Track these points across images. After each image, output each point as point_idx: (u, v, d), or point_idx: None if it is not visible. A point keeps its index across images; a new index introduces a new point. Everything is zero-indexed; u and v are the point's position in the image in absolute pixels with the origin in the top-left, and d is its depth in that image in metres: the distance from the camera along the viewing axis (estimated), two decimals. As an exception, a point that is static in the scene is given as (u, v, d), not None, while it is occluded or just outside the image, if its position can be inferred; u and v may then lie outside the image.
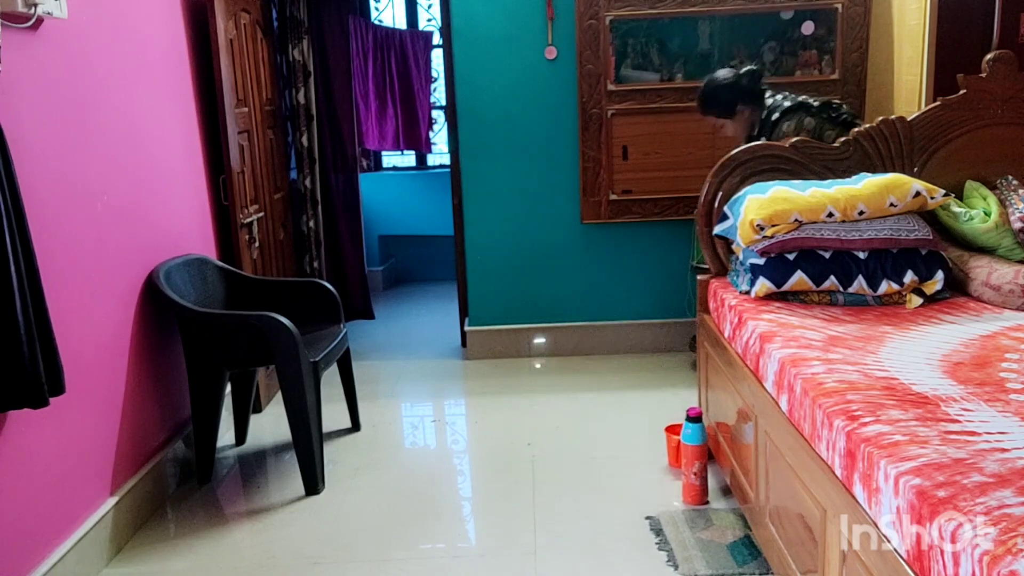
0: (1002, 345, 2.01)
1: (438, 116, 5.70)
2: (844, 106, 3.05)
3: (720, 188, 2.83)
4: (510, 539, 2.51)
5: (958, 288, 2.54)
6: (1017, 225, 2.52)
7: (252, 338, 2.76)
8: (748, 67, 3.09)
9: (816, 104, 2.97)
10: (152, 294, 2.77)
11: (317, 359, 2.81)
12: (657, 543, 2.42)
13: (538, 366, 4.10)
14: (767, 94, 3.03)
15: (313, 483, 2.83)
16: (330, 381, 3.13)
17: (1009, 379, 1.77)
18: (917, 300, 2.43)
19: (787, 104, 2.96)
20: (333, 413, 3.33)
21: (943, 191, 2.60)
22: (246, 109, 3.56)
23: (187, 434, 3.02)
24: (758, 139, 2.98)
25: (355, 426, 3.39)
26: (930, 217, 2.67)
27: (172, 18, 3.13)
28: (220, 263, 3.21)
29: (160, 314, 2.84)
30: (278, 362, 2.76)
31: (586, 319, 4.17)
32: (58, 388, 2.03)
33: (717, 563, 2.29)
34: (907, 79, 3.40)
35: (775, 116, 2.95)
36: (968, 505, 1.25)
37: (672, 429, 2.89)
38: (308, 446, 2.80)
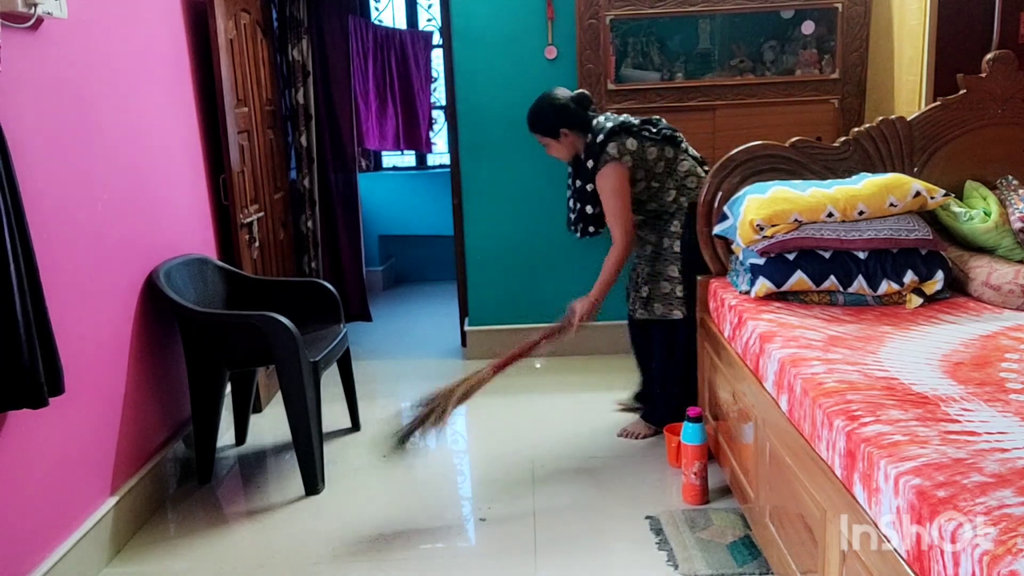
0: (1002, 345, 2.01)
1: (438, 116, 5.70)
2: (663, 121, 3.08)
3: (720, 188, 2.83)
4: (510, 539, 2.51)
5: (958, 288, 2.54)
6: (1017, 225, 2.52)
7: (252, 338, 2.76)
8: (580, 91, 3.10)
9: (636, 123, 3.00)
10: (152, 294, 2.77)
11: (317, 359, 2.81)
12: (657, 543, 2.42)
13: (538, 366, 4.09)
14: (595, 120, 3.03)
15: (313, 483, 2.84)
16: (330, 381, 3.12)
17: (1009, 379, 1.77)
18: (917, 300, 2.42)
19: (610, 125, 2.97)
20: (333, 413, 3.33)
21: (943, 191, 2.60)
22: (246, 109, 3.56)
23: (187, 434, 3.02)
24: (586, 162, 3.00)
25: (355, 426, 3.39)
26: (930, 217, 2.67)
27: (172, 18, 3.13)
28: (220, 263, 3.21)
29: (160, 314, 2.84)
30: (278, 362, 2.76)
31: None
32: (57, 388, 2.03)
33: (717, 563, 2.29)
34: (907, 79, 3.39)
35: (600, 138, 2.97)
36: (968, 505, 1.25)
37: (672, 429, 2.89)
38: (308, 446, 2.80)
